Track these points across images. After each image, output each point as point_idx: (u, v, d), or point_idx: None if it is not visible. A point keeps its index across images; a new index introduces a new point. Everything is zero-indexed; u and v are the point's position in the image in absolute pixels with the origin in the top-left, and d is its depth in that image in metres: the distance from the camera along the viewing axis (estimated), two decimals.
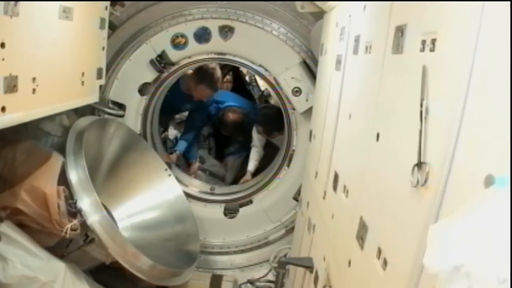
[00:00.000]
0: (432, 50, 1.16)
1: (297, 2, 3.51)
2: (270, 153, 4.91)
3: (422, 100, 1.14)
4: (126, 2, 3.75)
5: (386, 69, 1.57)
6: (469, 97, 0.97)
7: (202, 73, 4.50)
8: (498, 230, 0.66)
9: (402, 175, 1.21)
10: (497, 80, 0.87)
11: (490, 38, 0.92)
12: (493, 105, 0.88)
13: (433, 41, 1.16)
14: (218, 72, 4.63)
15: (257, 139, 5.00)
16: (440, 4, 1.15)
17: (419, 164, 1.11)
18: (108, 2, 3.36)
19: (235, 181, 5.15)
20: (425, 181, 1.08)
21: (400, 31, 1.41)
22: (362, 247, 1.55)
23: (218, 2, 3.74)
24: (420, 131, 1.12)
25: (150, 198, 3.84)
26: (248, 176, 4.82)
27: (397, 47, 1.43)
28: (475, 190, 0.85)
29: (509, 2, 0.84)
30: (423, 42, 1.21)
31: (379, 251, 1.35)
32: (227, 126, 5.32)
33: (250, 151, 5.06)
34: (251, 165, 4.92)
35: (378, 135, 1.54)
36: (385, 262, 1.29)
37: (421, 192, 1.10)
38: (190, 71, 4.53)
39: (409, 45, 1.35)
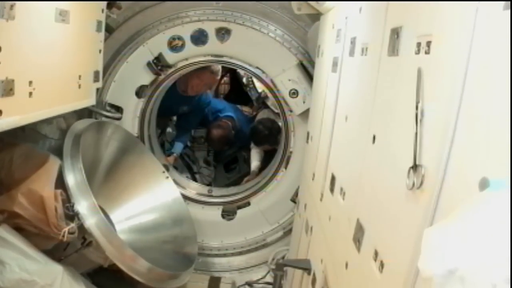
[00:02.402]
0: (427, 52, 1.16)
1: (293, 4, 3.51)
2: (267, 155, 4.91)
3: (417, 102, 1.14)
4: (122, 5, 3.75)
5: (382, 71, 1.57)
6: (464, 99, 0.97)
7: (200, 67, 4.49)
8: (492, 233, 0.66)
9: (398, 178, 1.21)
10: (492, 82, 0.87)
11: (485, 40, 0.92)
12: (488, 107, 0.88)
13: (428, 44, 1.16)
14: (217, 66, 4.61)
15: None
16: (435, 6, 1.15)
17: (415, 167, 1.11)
18: (105, 5, 3.35)
19: (232, 183, 5.15)
20: (421, 183, 1.08)
21: (396, 33, 1.41)
22: (359, 249, 1.55)
23: (215, 4, 3.75)
24: (416, 134, 1.12)
25: (148, 201, 3.82)
26: (252, 176, 4.82)
27: (393, 49, 1.43)
28: (470, 193, 0.85)
29: (502, 4, 0.84)
30: (418, 44, 1.21)
31: (376, 253, 1.35)
32: (213, 142, 5.43)
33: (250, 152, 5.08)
34: (254, 166, 4.92)
35: (374, 137, 1.54)
36: (381, 265, 1.29)
37: (417, 195, 1.10)
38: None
39: (405, 47, 1.35)
